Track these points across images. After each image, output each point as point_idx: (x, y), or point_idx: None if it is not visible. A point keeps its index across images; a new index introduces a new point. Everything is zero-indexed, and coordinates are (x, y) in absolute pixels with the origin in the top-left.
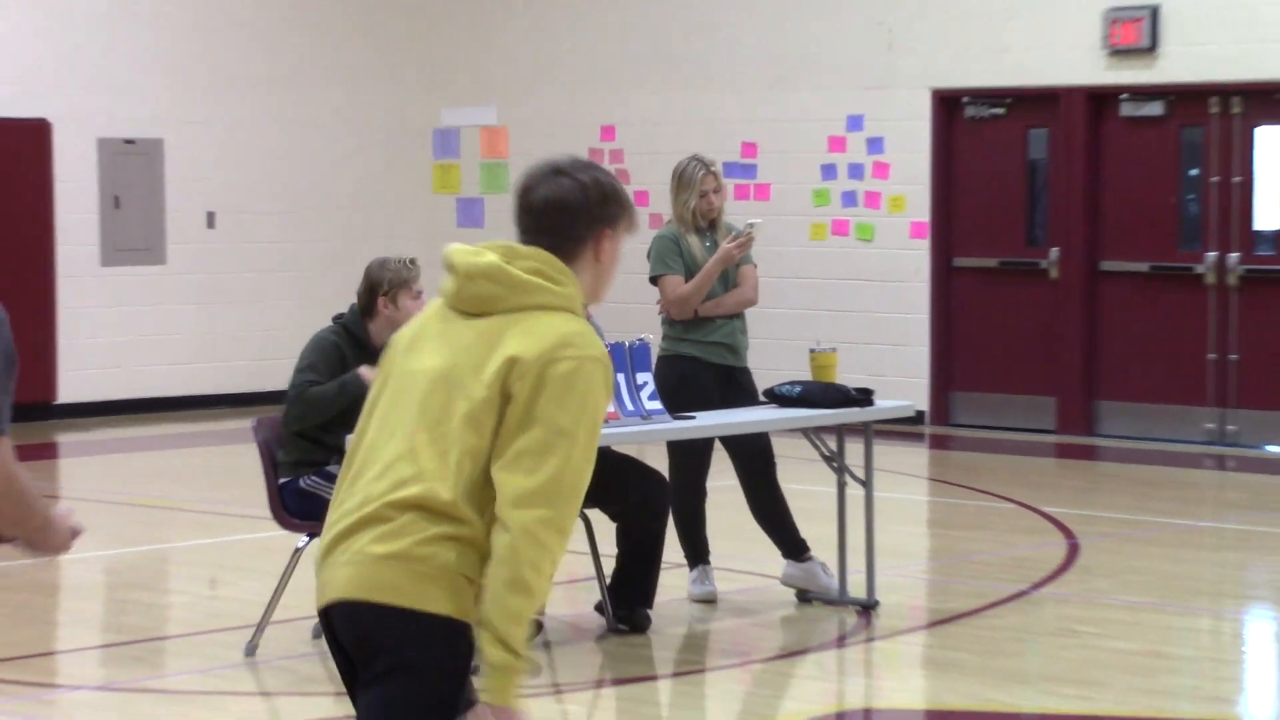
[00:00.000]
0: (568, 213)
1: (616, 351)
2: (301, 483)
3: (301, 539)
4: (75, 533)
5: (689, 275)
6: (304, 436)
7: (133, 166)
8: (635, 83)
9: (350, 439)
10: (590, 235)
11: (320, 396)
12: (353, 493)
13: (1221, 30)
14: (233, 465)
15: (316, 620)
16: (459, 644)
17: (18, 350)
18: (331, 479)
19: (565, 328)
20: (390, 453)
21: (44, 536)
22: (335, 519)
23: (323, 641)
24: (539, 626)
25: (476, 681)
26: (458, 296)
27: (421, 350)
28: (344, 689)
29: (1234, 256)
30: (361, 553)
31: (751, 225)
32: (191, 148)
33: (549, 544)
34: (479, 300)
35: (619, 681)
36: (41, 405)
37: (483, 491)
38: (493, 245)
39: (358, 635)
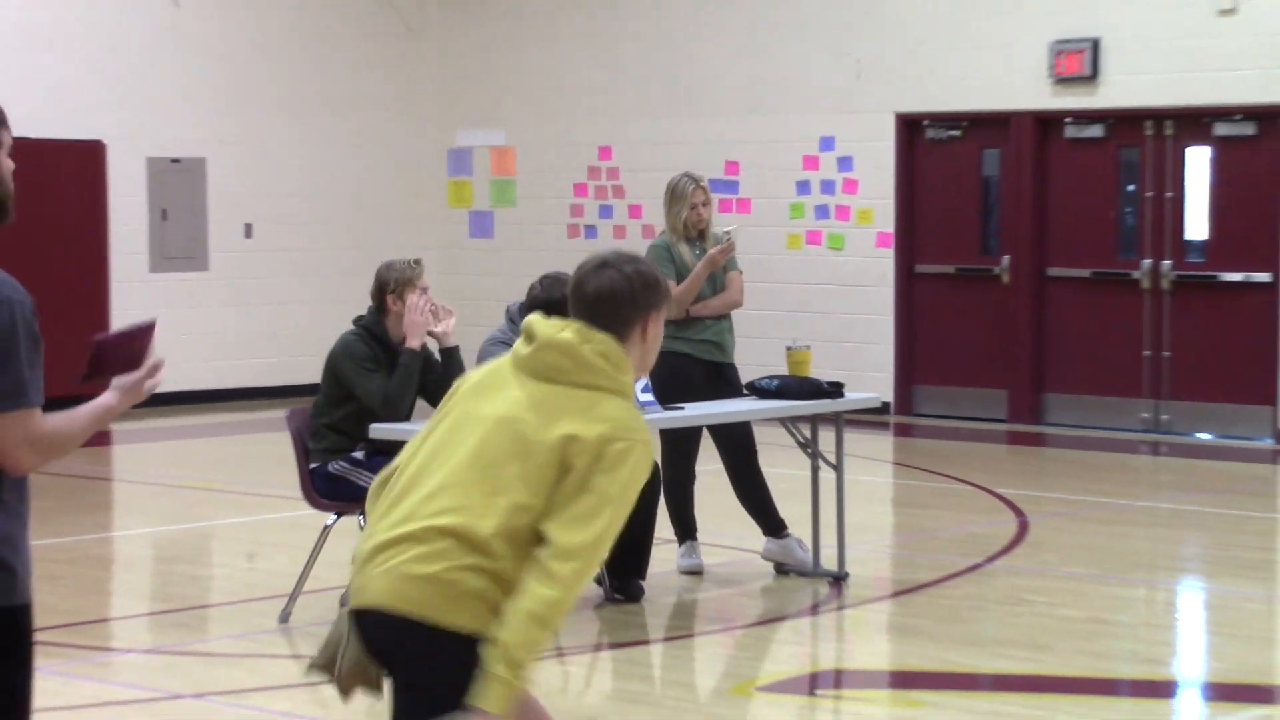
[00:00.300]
0: (617, 302)
1: None
2: (330, 467)
3: (330, 517)
4: (155, 370)
5: (680, 280)
6: (333, 428)
7: (178, 183)
8: (630, 108)
9: (401, 456)
10: (638, 320)
11: (402, 386)
12: (399, 508)
13: (1155, 61)
14: (267, 451)
15: (344, 588)
16: (473, 658)
17: (72, 349)
18: (357, 464)
19: (621, 414)
20: (439, 480)
21: (109, 419)
22: (379, 529)
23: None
24: None
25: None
26: (531, 361)
27: (486, 398)
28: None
29: (1167, 263)
30: (399, 569)
31: (729, 231)
32: (231, 166)
33: (578, 589)
34: (550, 369)
35: (615, 645)
36: (94, 398)
37: (520, 536)
38: (570, 325)
39: (384, 641)
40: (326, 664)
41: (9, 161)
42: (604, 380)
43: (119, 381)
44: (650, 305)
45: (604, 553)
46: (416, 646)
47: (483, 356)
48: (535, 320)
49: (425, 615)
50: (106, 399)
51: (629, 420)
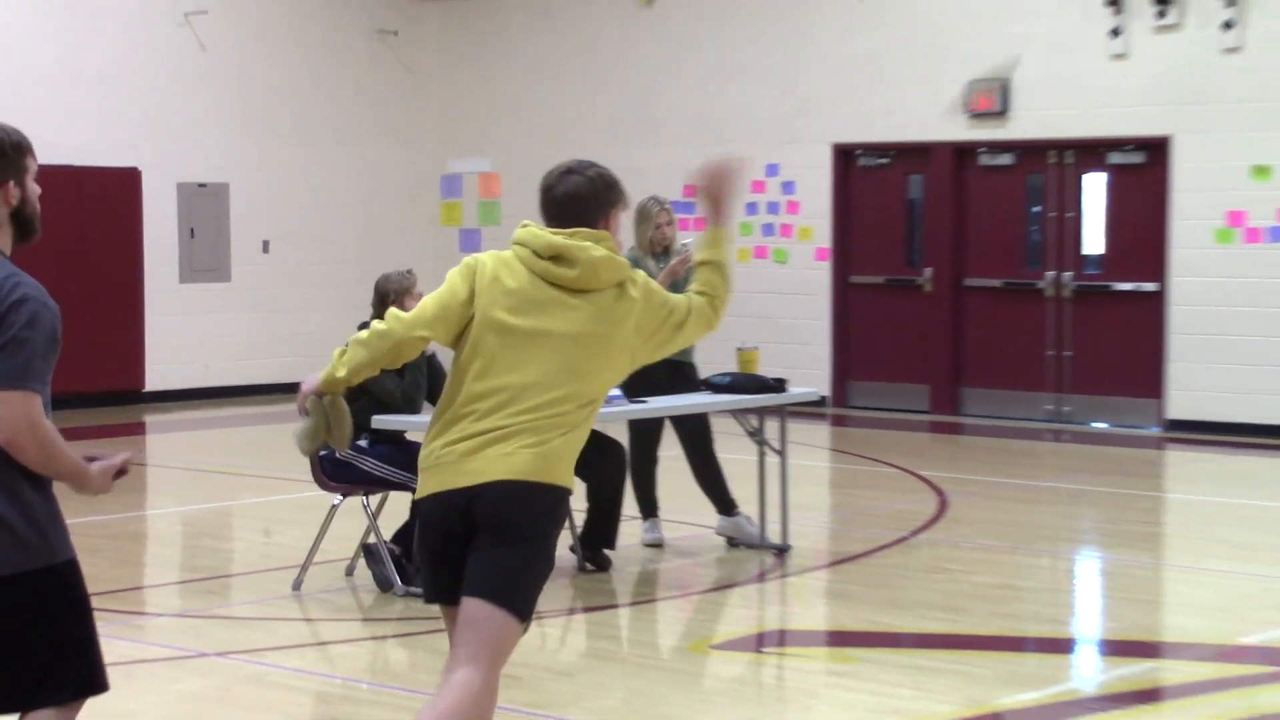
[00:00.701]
0: (584, 202)
1: None
2: (337, 454)
3: (336, 498)
4: (121, 471)
5: None
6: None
7: (204, 205)
8: (603, 138)
9: (469, 377)
10: (601, 216)
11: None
12: (480, 412)
13: (1057, 99)
14: (283, 440)
15: (350, 559)
16: (566, 506)
17: (112, 350)
18: (361, 451)
19: (643, 278)
20: (523, 384)
21: (78, 483)
22: (470, 429)
23: (354, 578)
24: None
25: None
26: (579, 274)
27: (539, 316)
28: (435, 579)
29: (1068, 274)
30: (513, 449)
31: (686, 244)
32: (251, 190)
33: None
34: (585, 281)
35: (587, 610)
36: (132, 393)
37: (597, 400)
38: (572, 235)
39: (506, 504)
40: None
41: (36, 186)
42: (622, 273)
43: (99, 465)
44: (611, 202)
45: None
46: (534, 502)
47: None
48: (550, 239)
49: (544, 479)
50: (87, 468)
51: (641, 276)
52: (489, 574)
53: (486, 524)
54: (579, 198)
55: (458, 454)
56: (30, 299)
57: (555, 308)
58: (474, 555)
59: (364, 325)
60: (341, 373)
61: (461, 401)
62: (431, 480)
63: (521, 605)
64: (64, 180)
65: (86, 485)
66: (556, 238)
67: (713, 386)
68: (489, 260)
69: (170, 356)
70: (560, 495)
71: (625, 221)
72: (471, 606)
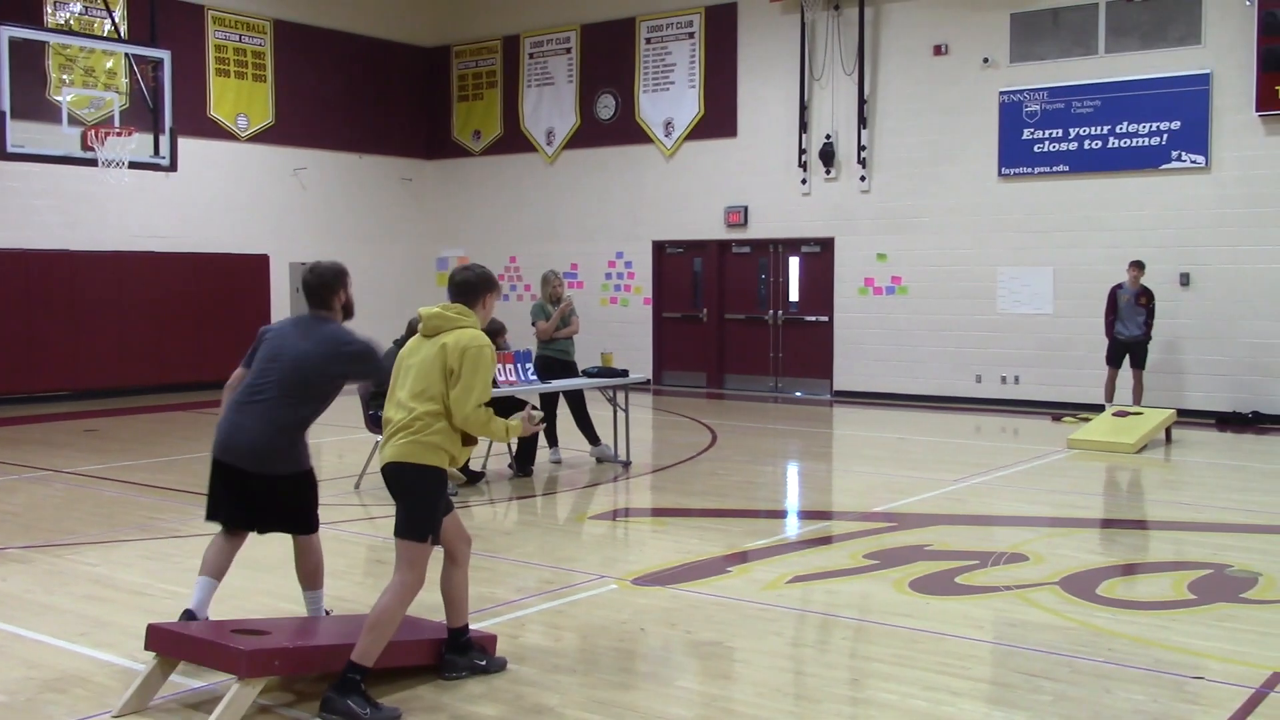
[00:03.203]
0: (470, 287)
1: (519, 354)
2: (378, 413)
3: (378, 438)
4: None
5: (548, 320)
6: (378, 395)
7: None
8: (525, 237)
9: (388, 394)
10: (478, 298)
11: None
12: (395, 417)
13: (774, 217)
14: (351, 404)
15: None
16: (440, 479)
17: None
18: None
19: (470, 335)
20: (405, 395)
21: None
22: (387, 430)
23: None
24: (481, 475)
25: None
26: (426, 329)
27: (412, 355)
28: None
29: (780, 312)
30: (399, 441)
31: (569, 299)
32: None
33: (488, 422)
34: (434, 329)
35: (518, 497)
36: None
37: (445, 406)
38: (440, 305)
39: (394, 477)
40: None
41: (352, 291)
42: (458, 323)
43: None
44: (486, 290)
45: (485, 410)
46: (411, 475)
47: None
48: (423, 310)
49: (411, 460)
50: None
51: (476, 336)
52: (397, 519)
53: (393, 488)
54: (466, 284)
55: (382, 442)
56: (354, 341)
57: (419, 348)
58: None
59: (397, 341)
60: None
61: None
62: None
63: (414, 533)
64: (228, 262)
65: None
66: (434, 308)
67: (587, 373)
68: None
69: None
70: (425, 471)
71: (491, 302)
72: (396, 541)
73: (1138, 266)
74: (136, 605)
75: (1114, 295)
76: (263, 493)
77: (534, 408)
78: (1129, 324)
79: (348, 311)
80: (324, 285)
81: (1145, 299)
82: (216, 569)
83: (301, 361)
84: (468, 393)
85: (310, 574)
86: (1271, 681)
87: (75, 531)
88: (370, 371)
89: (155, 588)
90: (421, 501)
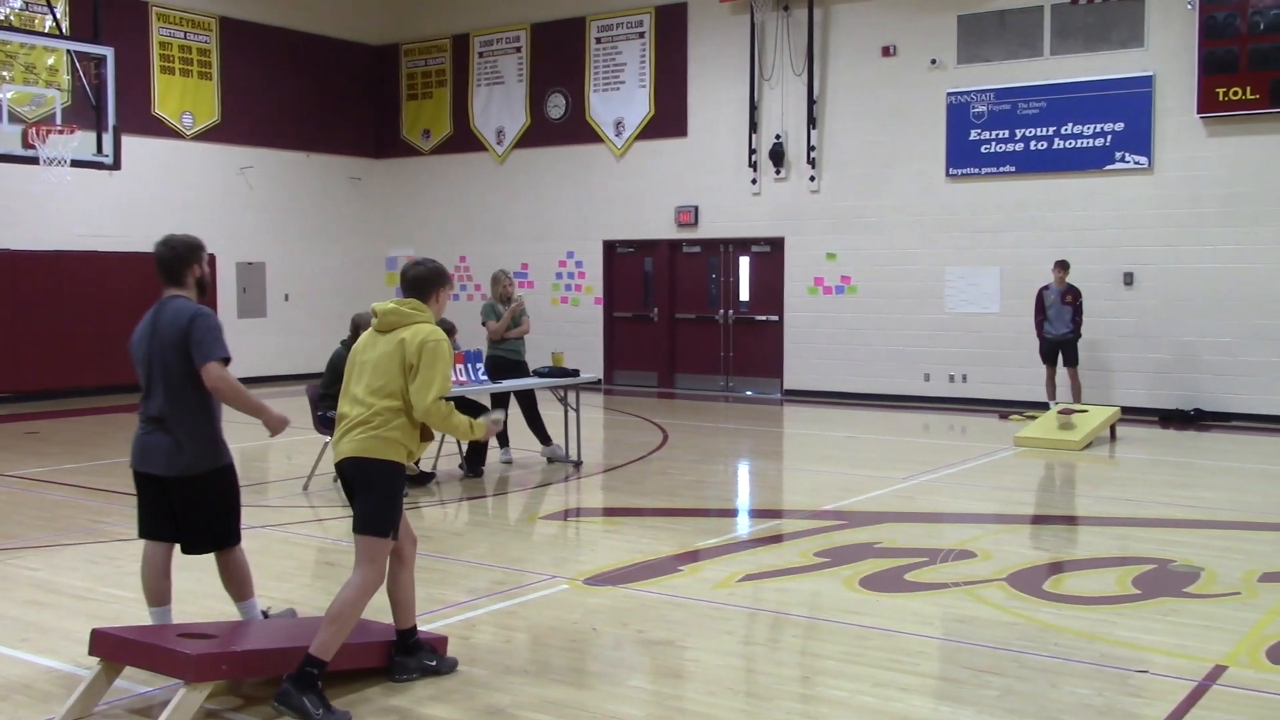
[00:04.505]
0: (423, 282)
1: (470, 355)
2: (327, 414)
3: (326, 439)
4: (284, 422)
5: (498, 319)
6: (328, 395)
7: (252, 273)
8: (474, 237)
9: (342, 390)
10: (431, 293)
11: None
12: (351, 412)
13: (724, 216)
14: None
15: (334, 473)
16: (400, 473)
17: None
18: None
19: (426, 330)
20: (361, 391)
21: (263, 419)
22: (341, 425)
23: (336, 483)
24: (431, 476)
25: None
26: (380, 324)
27: (368, 351)
28: (348, 501)
29: (731, 311)
30: (356, 436)
31: (519, 299)
32: (278, 264)
33: (448, 415)
34: (389, 325)
35: (469, 498)
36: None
37: (404, 401)
38: (394, 300)
39: (353, 472)
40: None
41: (207, 267)
42: (413, 319)
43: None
44: (439, 284)
45: (445, 403)
46: (371, 470)
47: None
48: (376, 304)
49: (371, 455)
50: (264, 405)
51: (432, 330)
52: (356, 514)
53: (352, 484)
54: (419, 279)
55: (336, 438)
56: (202, 312)
57: (374, 344)
58: (354, 500)
59: (344, 341)
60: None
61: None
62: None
63: (374, 529)
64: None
65: (267, 423)
66: (388, 303)
67: (538, 373)
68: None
69: (234, 356)
70: (385, 466)
71: (445, 295)
72: (355, 536)
73: (1062, 266)
74: (79, 610)
75: (1041, 296)
76: (183, 500)
77: (493, 414)
78: (1057, 323)
79: (203, 288)
80: (177, 259)
81: (1071, 297)
82: (160, 595)
83: (163, 350)
84: (428, 386)
85: (241, 584)
86: (1214, 674)
87: (17, 535)
88: (200, 345)
89: (99, 592)
90: (383, 496)
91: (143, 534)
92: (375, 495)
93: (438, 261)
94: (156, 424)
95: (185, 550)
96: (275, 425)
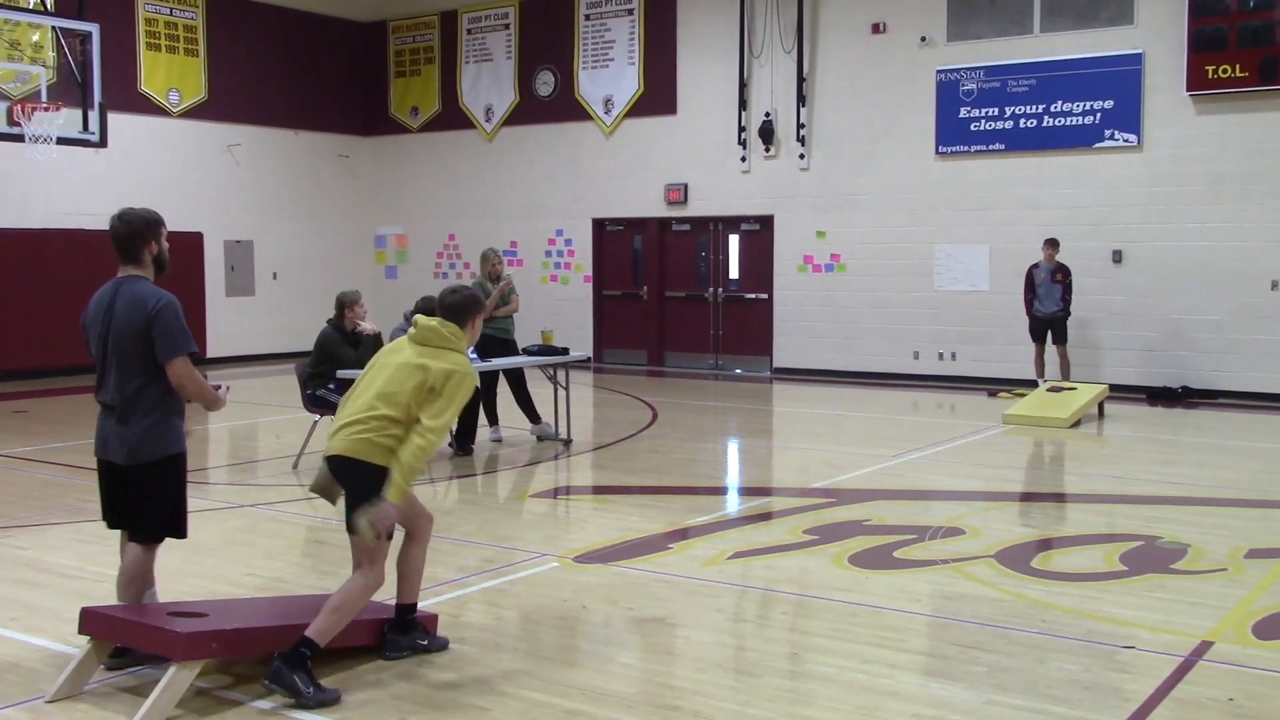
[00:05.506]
0: (459, 310)
1: None
2: (316, 392)
3: (316, 417)
4: (222, 401)
5: (487, 298)
6: (316, 373)
7: (240, 252)
8: (465, 213)
9: (354, 386)
10: (468, 319)
11: (366, 354)
12: (350, 407)
13: (713, 194)
14: (287, 383)
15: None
16: (383, 478)
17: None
18: (329, 391)
19: (458, 361)
20: (371, 394)
21: (211, 407)
22: (341, 418)
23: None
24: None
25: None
26: (416, 336)
27: (394, 354)
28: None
29: (720, 290)
30: (351, 435)
31: (508, 277)
32: (266, 242)
33: (433, 448)
34: (424, 339)
35: (458, 476)
36: (199, 358)
37: (407, 417)
38: (437, 319)
39: (342, 472)
40: (317, 488)
41: (167, 244)
42: (449, 344)
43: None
44: (474, 312)
45: (447, 430)
46: (358, 473)
47: (393, 337)
48: (420, 317)
49: (361, 457)
50: (212, 389)
51: (461, 363)
52: (351, 515)
53: (343, 483)
54: (456, 307)
55: (333, 430)
56: (166, 302)
57: (401, 349)
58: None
59: (330, 320)
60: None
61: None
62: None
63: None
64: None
65: (212, 407)
66: (422, 318)
67: (527, 352)
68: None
69: (221, 335)
70: (374, 471)
71: (478, 324)
72: (351, 537)
73: (1052, 244)
74: (68, 589)
75: (1030, 274)
76: (135, 487)
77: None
78: (1046, 301)
79: (161, 266)
80: (134, 235)
81: (1061, 275)
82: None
83: (120, 337)
84: (442, 412)
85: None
86: (1200, 650)
87: (5, 514)
88: (167, 341)
89: (88, 570)
90: (368, 498)
91: (109, 523)
92: (363, 499)
93: (472, 290)
94: (109, 411)
95: (132, 538)
96: (217, 407)
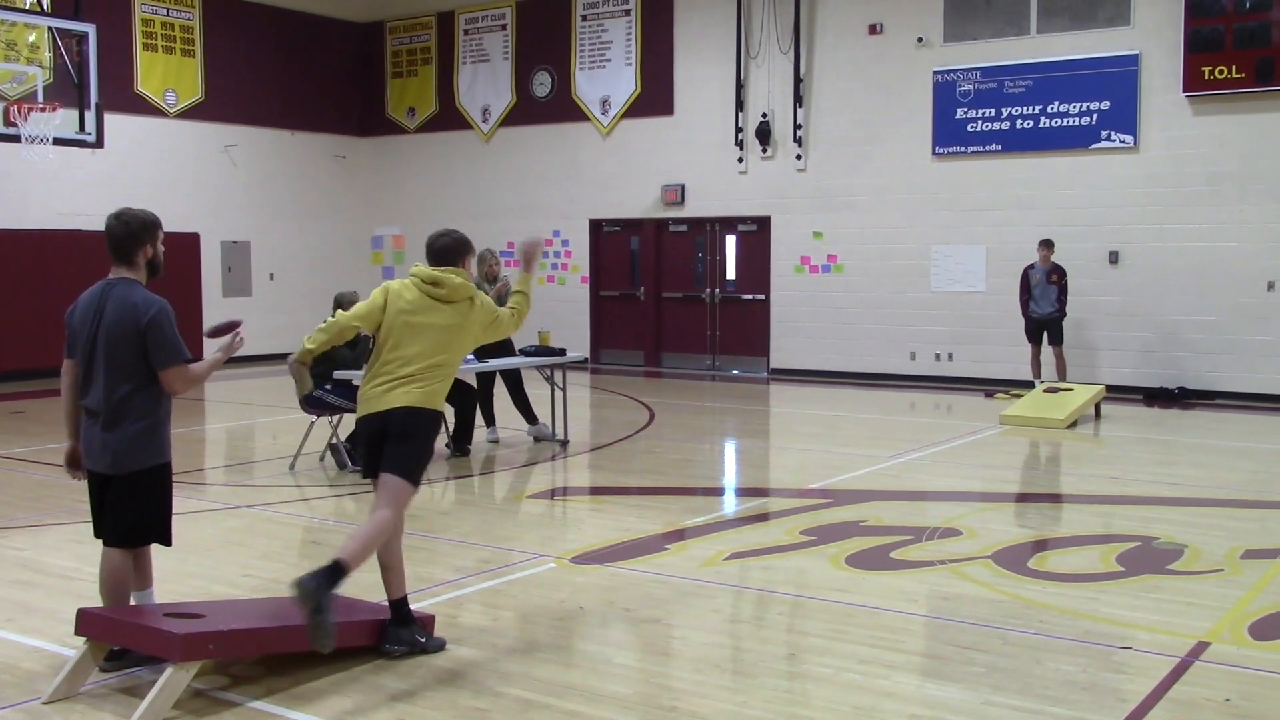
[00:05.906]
0: (451, 252)
1: None
2: (311, 394)
3: (313, 418)
4: (234, 348)
5: None
6: (313, 375)
7: (236, 252)
8: (462, 213)
9: (386, 349)
10: (461, 259)
11: (362, 351)
12: (391, 369)
13: (710, 195)
14: (282, 384)
15: (321, 452)
16: (440, 426)
17: (183, 331)
18: (326, 391)
19: (480, 298)
20: (414, 354)
21: (221, 358)
22: (385, 378)
23: (324, 463)
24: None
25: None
26: (441, 294)
27: (420, 314)
28: (367, 463)
29: (717, 290)
30: (412, 389)
31: (505, 277)
32: (262, 243)
33: (523, 313)
34: (449, 297)
35: (456, 477)
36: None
37: (455, 363)
38: (440, 270)
39: (402, 419)
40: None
41: (163, 247)
42: (469, 292)
43: (220, 343)
44: (466, 252)
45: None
46: (423, 418)
47: None
48: (426, 271)
49: (426, 405)
50: (214, 356)
51: (480, 295)
52: (394, 458)
53: (393, 431)
54: (447, 249)
55: (379, 392)
56: (159, 309)
57: (433, 311)
58: (387, 448)
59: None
60: (310, 346)
61: (381, 363)
62: (364, 407)
63: (411, 475)
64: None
65: (220, 362)
66: (434, 271)
67: (524, 353)
68: (396, 284)
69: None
70: (435, 415)
71: (473, 263)
72: (385, 477)
73: (1047, 246)
74: (65, 590)
75: (1026, 275)
76: (117, 495)
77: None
78: (1042, 302)
79: (154, 269)
80: (130, 236)
81: (1057, 276)
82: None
83: (110, 342)
84: (506, 315)
85: (142, 575)
86: (1196, 650)
87: (2, 515)
88: (162, 350)
89: (84, 571)
90: (423, 445)
91: (96, 533)
92: (416, 443)
93: (460, 231)
94: (93, 417)
95: (108, 543)
96: (233, 348)
